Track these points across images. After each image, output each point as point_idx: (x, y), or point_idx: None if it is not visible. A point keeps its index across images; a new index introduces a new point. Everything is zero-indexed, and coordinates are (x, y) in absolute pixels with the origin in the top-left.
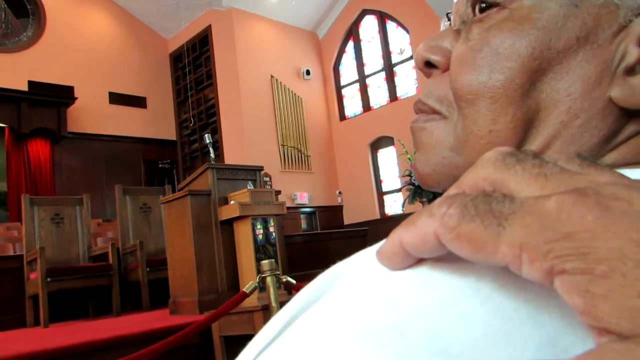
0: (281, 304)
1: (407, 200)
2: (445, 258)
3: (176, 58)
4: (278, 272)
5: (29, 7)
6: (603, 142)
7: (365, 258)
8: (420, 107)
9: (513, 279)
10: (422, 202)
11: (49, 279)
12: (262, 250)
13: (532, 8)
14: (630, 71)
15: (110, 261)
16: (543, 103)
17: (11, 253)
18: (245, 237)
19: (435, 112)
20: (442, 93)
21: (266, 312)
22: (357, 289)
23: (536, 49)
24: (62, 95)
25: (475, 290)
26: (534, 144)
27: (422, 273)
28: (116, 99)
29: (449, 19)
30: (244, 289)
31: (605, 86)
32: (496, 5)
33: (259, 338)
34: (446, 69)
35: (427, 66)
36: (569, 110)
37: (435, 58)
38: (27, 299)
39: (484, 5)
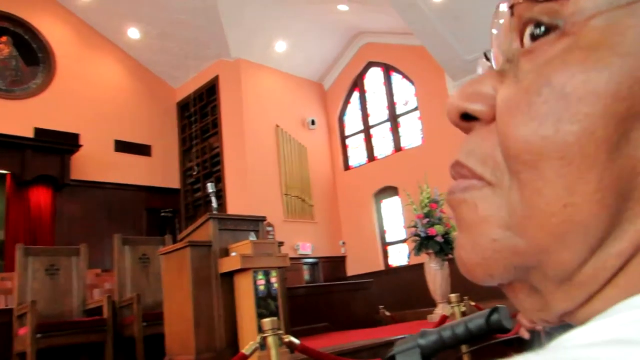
0: None
1: (413, 252)
2: None
3: (183, 107)
4: (280, 332)
5: (39, 55)
6: None
7: None
8: (459, 171)
9: None
10: (429, 254)
11: (38, 335)
12: (263, 304)
13: (607, 29)
14: None
15: (105, 315)
16: None
17: (3, 306)
18: (246, 291)
19: (476, 177)
20: (487, 151)
21: None
22: None
23: (622, 85)
24: (67, 143)
25: None
26: (630, 229)
27: None
28: (121, 146)
29: (488, 59)
30: (243, 350)
31: None
32: (554, 29)
33: None
34: (491, 120)
35: (465, 119)
36: None
37: (475, 107)
38: (14, 356)
39: (538, 31)
